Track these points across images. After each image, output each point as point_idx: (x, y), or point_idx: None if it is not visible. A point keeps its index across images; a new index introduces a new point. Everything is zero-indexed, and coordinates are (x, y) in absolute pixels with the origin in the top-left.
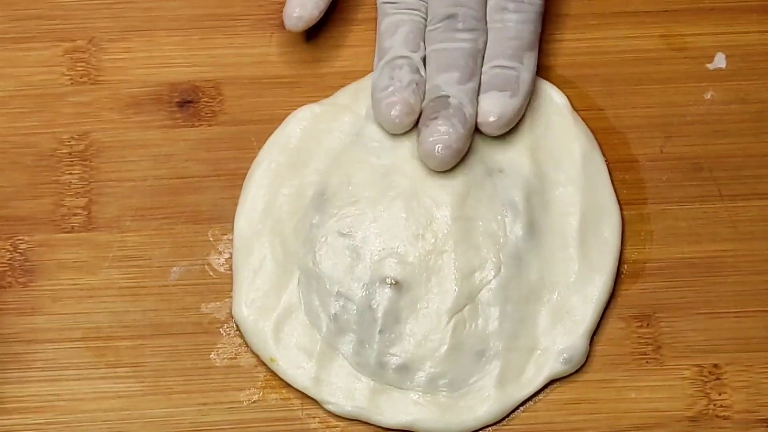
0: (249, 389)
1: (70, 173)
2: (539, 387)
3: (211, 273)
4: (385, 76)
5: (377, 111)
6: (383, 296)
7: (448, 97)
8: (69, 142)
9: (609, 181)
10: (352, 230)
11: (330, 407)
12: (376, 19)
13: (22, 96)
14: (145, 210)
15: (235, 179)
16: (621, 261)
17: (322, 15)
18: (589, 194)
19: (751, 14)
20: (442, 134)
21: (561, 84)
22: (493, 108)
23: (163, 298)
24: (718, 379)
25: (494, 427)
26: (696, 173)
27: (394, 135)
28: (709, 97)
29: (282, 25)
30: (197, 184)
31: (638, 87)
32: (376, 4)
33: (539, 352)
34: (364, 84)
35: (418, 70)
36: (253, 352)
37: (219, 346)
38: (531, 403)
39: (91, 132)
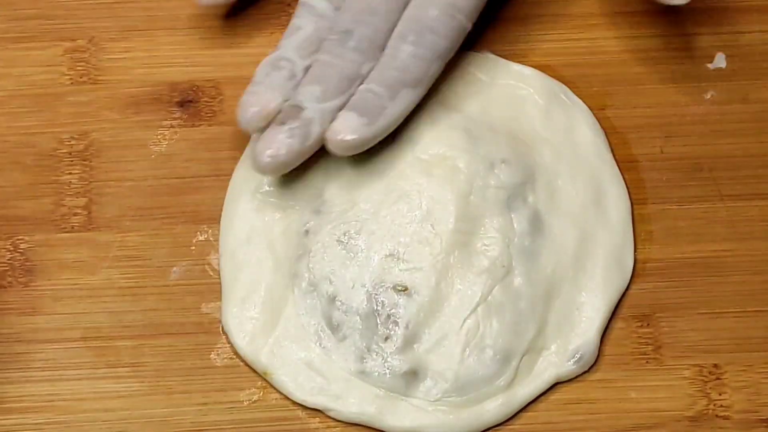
0: (249, 389)
1: (70, 173)
2: (546, 387)
3: (211, 273)
4: (262, 72)
5: (241, 100)
6: (391, 303)
7: (304, 109)
8: (69, 141)
9: (617, 170)
10: (352, 235)
11: (332, 414)
12: None
13: (22, 96)
14: (145, 210)
15: None
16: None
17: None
18: (596, 183)
19: (751, 14)
20: (277, 143)
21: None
22: (343, 128)
23: (163, 298)
24: (718, 379)
25: (495, 428)
26: (696, 173)
27: (392, 141)
28: (709, 97)
29: (281, 24)
30: (197, 184)
31: (638, 87)
32: None
33: (548, 351)
34: None
35: (295, 77)
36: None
37: (219, 346)
38: (531, 403)
39: (91, 132)
